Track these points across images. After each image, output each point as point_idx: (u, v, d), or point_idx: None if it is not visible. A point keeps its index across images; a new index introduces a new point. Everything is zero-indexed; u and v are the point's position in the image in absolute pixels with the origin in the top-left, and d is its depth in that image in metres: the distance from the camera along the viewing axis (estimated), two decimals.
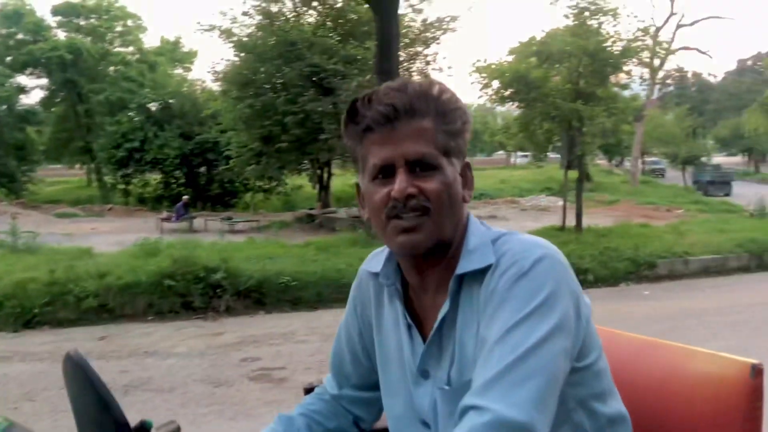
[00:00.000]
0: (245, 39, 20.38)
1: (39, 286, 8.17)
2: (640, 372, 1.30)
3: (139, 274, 8.49)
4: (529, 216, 22.25)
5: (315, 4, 20.54)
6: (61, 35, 36.43)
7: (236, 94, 20.26)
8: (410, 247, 1.11)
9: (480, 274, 1.10)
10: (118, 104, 30.71)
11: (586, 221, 15.45)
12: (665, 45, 24.48)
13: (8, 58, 34.80)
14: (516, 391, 0.94)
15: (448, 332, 1.14)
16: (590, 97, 14.37)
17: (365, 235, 12.38)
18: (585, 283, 9.60)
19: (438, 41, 20.58)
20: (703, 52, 47.25)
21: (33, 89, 46.20)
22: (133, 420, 0.95)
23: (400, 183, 1.09)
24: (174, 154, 26.50)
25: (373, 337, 1.30)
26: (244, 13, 20.29)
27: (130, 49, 37.94)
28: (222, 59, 24.19)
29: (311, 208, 23.03)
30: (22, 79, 36.42)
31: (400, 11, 14.41)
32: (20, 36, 35.74)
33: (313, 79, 18.54)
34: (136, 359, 6.50)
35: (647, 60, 21.89)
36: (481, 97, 26.97)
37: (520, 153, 47.91)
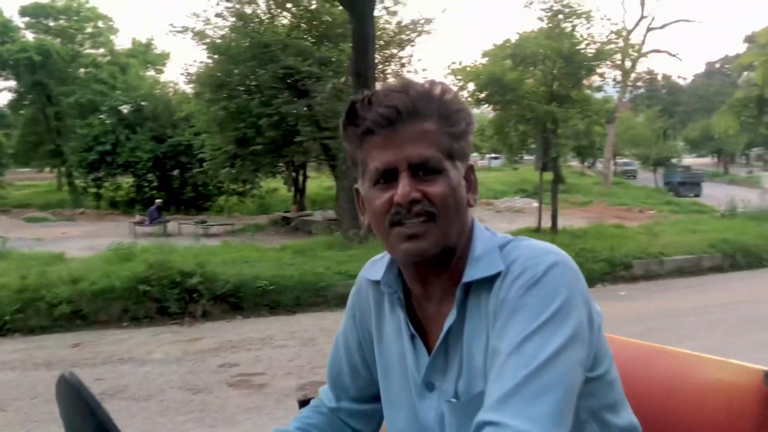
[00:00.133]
0: (218, 41, 20.18)
1: (9, 292, 7.99)
2: (649, 380, 1.28)
3: (113, 279, 8.34)
4: (504, 218, 22.35)
5: (289, 6, 20.41)
6: (29, 36, 35.81)
7: (210, 96, 20.07)
8: (415, 254, 1.06)
9: (488, 282, 1.06)
10: (89, 107, 30.25)
11: (560, 222, 15.57)
12: (637, 47, 24.76)
13: None
14: (534, 405, 0.90)
15: (454, 343, 1.09)
16: (565, 99, 14.48)
17: (342, 238, 12.32)
18: None
19: (413, 43, 20.58)
20: (673, 55, 48.01)
21: (1, 91, 45.43)
22: None
23: (404, 188, 1.04)
24: (146, 157, 26.21)
25: (372, 348, 1.26)
26: (218, 15, 20.09)
27: (101, 50, 37.40)
28: (195, 61, 24.02)
29: (286, 211, 22.92)
30: None
31: (375, 13, 14.38)
32: None
33: (288, 81, 18.42)
34: (112, 366, 6.37)
35: (620, 62, 22.12)
36: None
37: (492, 155, 48.18)
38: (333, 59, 18.72)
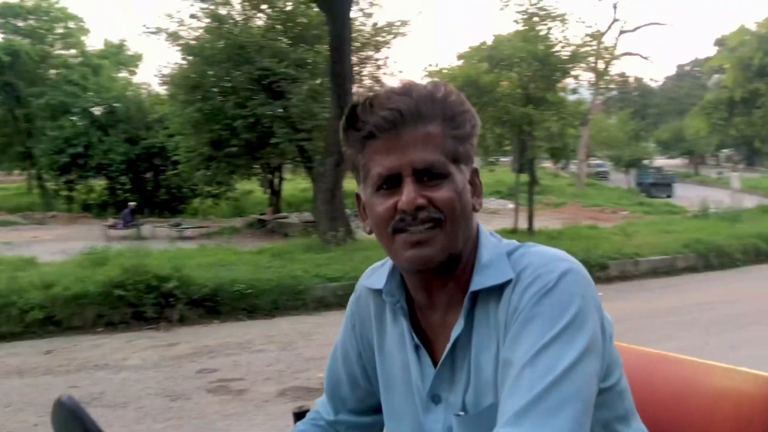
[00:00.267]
0: (193, 42, 20.02)
1: None
2: (656, 388, 1.25)
3: (87, 284, 8.16)
4: (480, 219, 22.26)
5: (264, 7, 20.30)
6: None
7: (184, 97, 19.89)
8: (421, 261, 1.03)
9: (497, 290, 1.03)
10: (60, 108, 29.75)
11: (536, 224, 15.67)
12: (611, 50, 25.05)
13: None
14: (552, 420, 0.87)
15: (461, 353, 1.06)
16: (540, 101, 14.58)
17: (319, 240, 12.26)
18: None
19: (389, 45, 20.58)
20: (645, 58, 48.53)
21: None
22: None
23: (408, 194, 1.01)
24: (120, 160, 25.84)
25: (373, 358, 1.21)
26: (192, 16, 19.92)
27: (72, 51, 36.83)
28: (169, 63, 23.77)
29: (262, 214, 22.75)
30: None
31: (351, 15, 14.34)
32: None
33: (263, 82, 18.32)
34: (86, 373, 6.24)
35: (594, 65, 22.34)
36: None
37: None
38: (309, 61, 18.67)
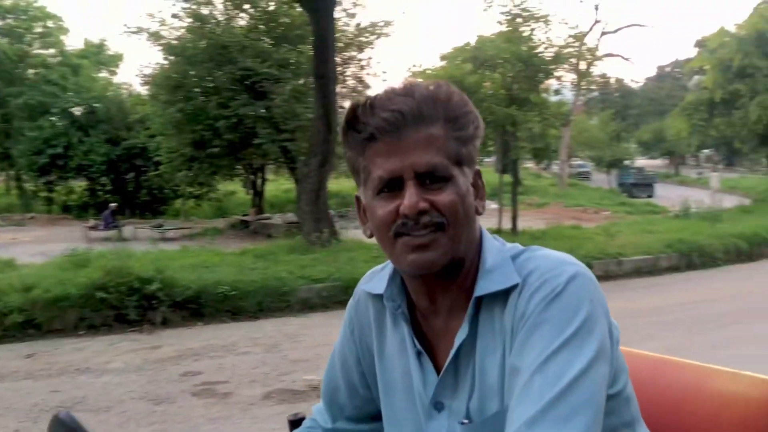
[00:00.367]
0: (174, 42, 19.88)
1: None
2: (659, 393, 1.23)
3: (68, 286, 8.05)
4: None
5: (246, 7, 20.21)
6: None
7: (166, 98, 19.73)
8: (423, 266, 1.00)
9: (502, 295, 1.00)
10: (39, 108, 29.38)
11: (519, 224, 15.72)
12: (594, 51, 25.22)
13: None
14: (564, 428, 0.84)
15: (465, 360, 1.03)
16: (524, 102, 14.63)
17: (304, 241, 12.19)
18: None
19: (372, 46, 20.56)
20: (626, 59, 48.84)
21: None
22: None
23: (411, 198, 0.98)
24: (100, 160, 25.59)
25: (372, 364, 1.18)
26: (174, 16, 19.77)
27: (51, 51, 36.42)
28: (150, 62, 23.60)
29: (245, 215, 22.63)
30: None
31: (334, 15, 14.30)
32: None
33: (246, 82, 18.23)
34: (68, 377, 6.16)
35: (576, 66, 22.47)
36: None
37: None
38: (292, 61, 18.60)
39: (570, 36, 16.10)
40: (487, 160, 22.81)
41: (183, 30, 19.98)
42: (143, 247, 12.79)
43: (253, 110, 17.82)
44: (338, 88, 14.70)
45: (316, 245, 11.59)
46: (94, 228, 19.24)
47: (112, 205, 20.86)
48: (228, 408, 5.20)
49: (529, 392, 0.89)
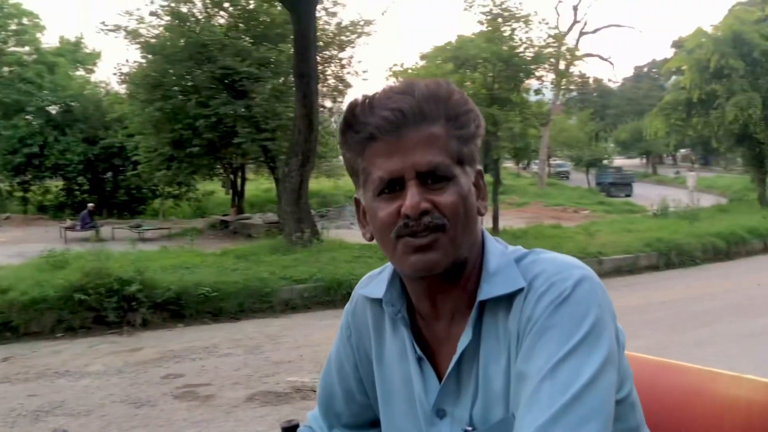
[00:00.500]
0: (153, 40, 19.70)
1: None
2: (661, 397, 1.21)
3: (45, 287, 7.93)
4: None
5: (226, 5, 20.08)
6: None
7: (144, 96, 19.52)
8: (425, 267, 0.97)
9: (506, 299, 0.98)
10: (14, 107, 28.95)
11: (500, 223, 15.76)
12: (574, 51, 25.33)
13: None
14: None
15: (468, 366, 1.00)
16: (504, 102, 14.66)
17: (285, 242, 12.12)
18: None
19: (353, 45, 20.53)
20: (605, 59, 49.14)
21: None
22: None
23: (413, 198, 0.95)
24: (77, 160, 25.28)
25: (370, 370, 1.15)
26: (152, 14, 19.60)
27: (27, 48, 35.91)
28: (128, 61, 23.38)
29: (225, 214, 22.46)
30: None
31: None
32: None
33: (226, 81, 18.11)
34: (46, 380, 6.05)
35: (555, 65, 22.57)
36: None
37: None
38: (272, 60, 18.51)
39: (550, 36, 16.14)
40: None
41: (161, 28, 19.82)
42: (122, 247, 12.62)
43: (233, 109, 17.71)
44: (319, 87, 14.64)
45: (298, 245, 11.53)
46: (71, 228, 18.98)
47: (90, 205, 20.58)
48: (211, 411, 5.13)
49: (538, 399, 0.86)
